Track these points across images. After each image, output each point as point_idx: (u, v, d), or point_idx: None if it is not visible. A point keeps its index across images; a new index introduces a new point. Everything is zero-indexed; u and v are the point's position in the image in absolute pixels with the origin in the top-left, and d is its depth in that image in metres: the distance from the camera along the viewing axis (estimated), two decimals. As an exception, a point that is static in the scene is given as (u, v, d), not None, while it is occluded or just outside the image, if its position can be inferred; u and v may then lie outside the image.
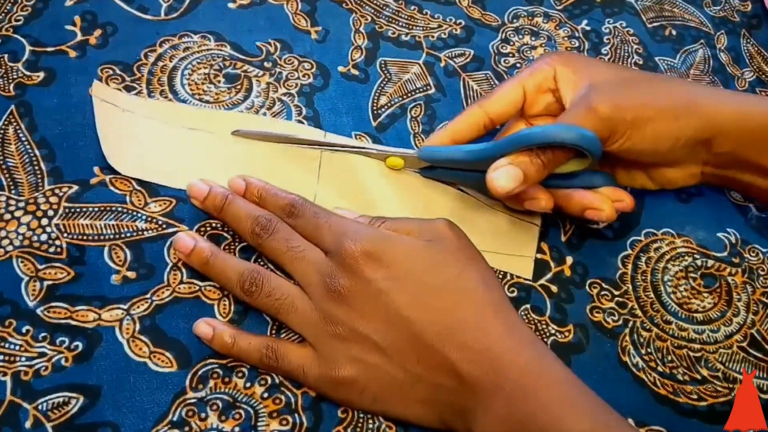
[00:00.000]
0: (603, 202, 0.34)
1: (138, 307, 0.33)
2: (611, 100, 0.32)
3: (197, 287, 0.34)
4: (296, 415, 0.31)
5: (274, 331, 0.33)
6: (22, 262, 0.33)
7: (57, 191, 0.35)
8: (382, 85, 0.41)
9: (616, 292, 0.37)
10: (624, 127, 0.32)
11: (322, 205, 0.35)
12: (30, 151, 0.35)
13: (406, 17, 0.44)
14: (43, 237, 0.33)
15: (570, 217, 0.38)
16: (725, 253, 0.39)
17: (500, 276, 0.36)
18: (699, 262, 0.38)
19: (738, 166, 0.35)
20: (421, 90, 0.41)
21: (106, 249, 0.34)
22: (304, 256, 0.32)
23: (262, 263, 0.34)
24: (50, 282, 0.33)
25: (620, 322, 0.36)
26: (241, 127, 0.37)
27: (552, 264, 0.37)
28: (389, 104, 0.40)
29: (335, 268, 0.31)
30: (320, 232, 0.33)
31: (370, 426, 0.32)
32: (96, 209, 0.34)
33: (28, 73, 0.38)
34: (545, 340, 0.35)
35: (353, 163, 0.37)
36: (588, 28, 0.46)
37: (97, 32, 0.39)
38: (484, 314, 0.30)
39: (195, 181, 0.34)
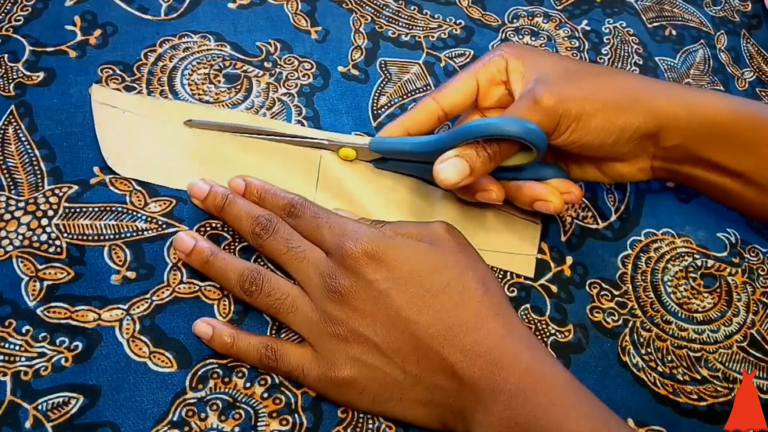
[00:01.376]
0: (551, 194, 0.34)
1: (138, 307, 0.33)
2: (556, 93, 0.32)
3: (197, 287, 0.34)
4: (296, 415, 0.31)
5: (274, 331, 0.33)
6: (22, 262, 0.33)
7: (57, 191, 0.35)
8: (382, 85, 0.41)
9: (616, 292, 0.37)
10: (568, 120, 0.32)
11: (322, 202, 0.35)
12: (30, 151, 0.35)
13: (406, 17, 0.44)
14: (43, 237, 0.33)
15: (570, 217, 0.38)
16: (725, 253, 0.39)
17: (500, 276, 0.36)
18: (699, 262, 0.38)
19: (688, 160, 0.34)
20: (421, 90, 0.41)
21: (106, 249, 0.34)
22: (305, 256, 0.32)
23: (262, 263, 0.34)
24: (50, 282, 0.33)
25: (620, 322, 0.36)
26: (242, 123, 0.37)
27: (552, 264, 0.37)
28: (389, 104, 0.40)
29: (336, 269, 0.31)
30: (320, 233, 0.33)
31: (370, 426, 0.32)
32: (96, 209, 0.34)
33: (28, 73, 0.38)
34: (545, 340, 0.35)
35: (353, 168, 0.37)
36: (588, 28, 0.46)
37: (97, 32, 0.39)
38: (483, 316, 0.30)
39: (195, 180, 0.34)
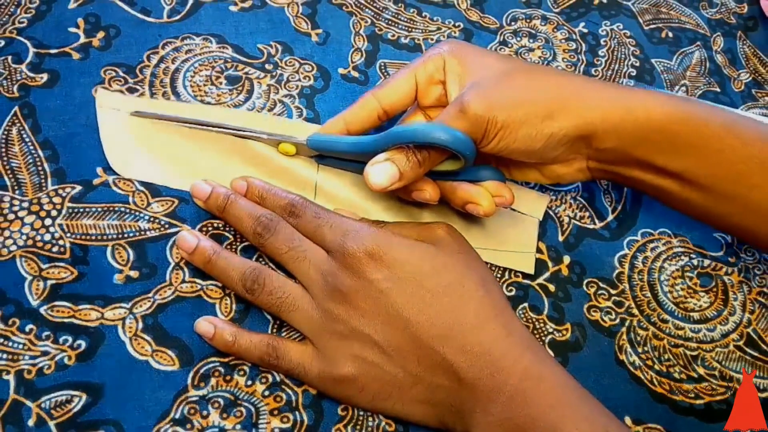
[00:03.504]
0: (483, 197, 0.33)
1: (140, 306, 0.33)
2: (485, 101, 0.32)
3: (199, 286, 0.34)
4: (297, 412, 0.32)
5: (275, 330, 0.33)
6: (25, 261, 0.33)
7: (60, 191, 0.35)
8: (381, 86, 0.41)
9: (613, 292, 0.37)
10: (495, 128, 0.32)
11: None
12: (34, 151, 0.36)
13: (405, 20, 0.44)
14: (47, 237, 0.34)
15: (567, 217, 0.39)
16: (721, 253, 0.39)
17: (498, 275, 0.37)
18: (695, 262, 0.39)
19: (624, 162, 0.34)
20: (420, 92, 0.42)
21: (109, 249, 0.34)
22: (306, 255, 0.32)
23: (263, 263, 0.35)
24: (53, 281, 0.33)
25: (617, 320, 0.37)
26: (247, 125, 0.37)
27: (549, 263, 0.37)
28: (389, 106, 0.41)
29: (337, 268, 0.31)
30: (321, 232, 0.33)
31: (370, 424, 0.32)
32: (99, 209, 0.35)
33: (31, 74, 0.38)
34: (543, 339, 0.35)
35: (352, 179, 0.37)
36: (585, 30, 0.46)
37: (100, 34, 0.40)
38: (483, 317, 0.30)
39: (198, 181, 0.35)
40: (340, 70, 0.41)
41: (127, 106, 0.37)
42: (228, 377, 0.32)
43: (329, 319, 0.31)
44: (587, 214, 0.39)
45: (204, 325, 0.32)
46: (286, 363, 0.31)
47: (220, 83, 0.39)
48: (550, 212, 0.39)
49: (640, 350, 0.36)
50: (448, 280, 0.31)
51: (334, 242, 0.32)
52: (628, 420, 0.34)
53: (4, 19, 0.39)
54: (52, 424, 0.30)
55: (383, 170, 0.32)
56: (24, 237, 0.34)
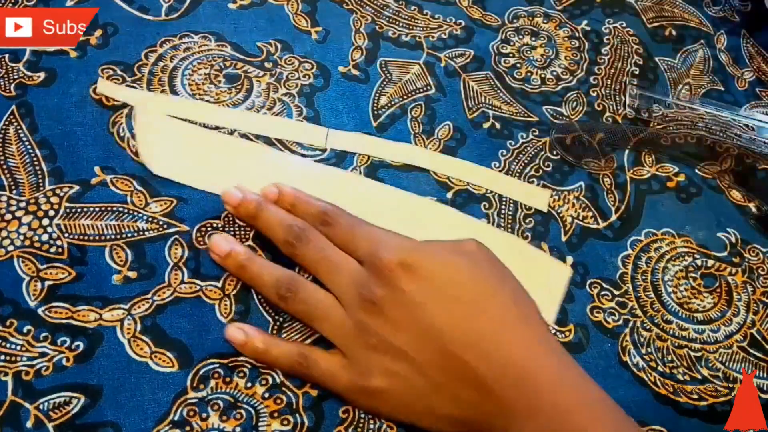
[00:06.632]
0: None
1: (139, 307, 0.33)
2: None
3: (198, 287, 0.34)
4: (297, 415, 0.31)
5: (275, 330, 0.33)
6: (23, 262, 0.33)
7: (58, 191, 0.35)
8: (382, 85, 0.41)
9: (617, 292, 0.37)
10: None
11: None
12: (31, 151, 0.35)
13: (406, 17, 0.44)
14: (44, 237, 0.33)
15: (570, 217, 0.38)
16: (725, 253, 0.39)
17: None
18: (699, 262, 0.38)
19: None
20: (421, 90, 0.41)
21: (107, 249, 0.34)
22: (338, 265, 0.32)
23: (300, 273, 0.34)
24: (51, 282, 0.33)
25: (620, 321, 0.36)
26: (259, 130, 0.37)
27: (552, 264, 0.37)
28: (389, 104, 0.40)
29: (370, 278, 0.31)
30: (355, 242, 0.32)
31: (371, 426, 0.32)
32: (97, 209, 0.35)
33: (29, 73, 0.38)
34: (546, 339, 0.35)
35: (372, 186, 0.37)
36: (588, 28, 0.46)
37: (98, 32, 0.39)
38: (517, 330, 0.30)
39: (229, 187, 0.34)
40: (341, 69, 0.41)
41: (128, 98, 0.37)
42: (228, 379, 0.32)
43: (361, 330, 0.30)
44: (590, 213, 0.39)
45: (235, 331, 0.32)
46: (316, 372, 0.31)
47: (219, 82, 0.39)
48: (553, 212, 0.39)
49: (643, 351, 0.36)
50: (482, 293, 0.30)
51: (367, 253, 0.32)
52: (631, 422, 0.34)
53: (1, 16, 0.39)
54: (50, 426, 0.30)
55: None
56: (21, 237, 0.33)
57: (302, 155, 0.38)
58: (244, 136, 0.38)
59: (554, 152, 0.40)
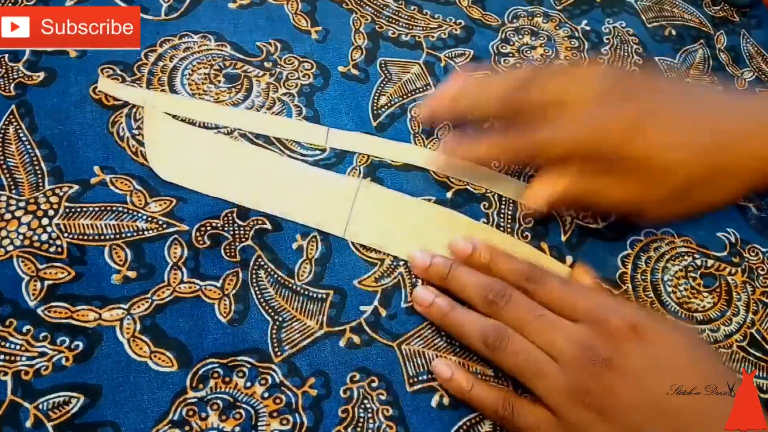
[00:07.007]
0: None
1: (138, 306, 0.33)
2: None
3: (198, 287, 0.34)
4: (297, 414, 0.31)
5: (275, 330, 0.33)
6: (22, 261, 0.33)
7: (57, 191, 0.35)
8: (382, 85, 0.41)
9: (616, 292, 0.37)
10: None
11: (352, 235, 0.35)
12: (30, 150, 0.35)
13: (406, 17, 0.44)
14: (44, 237, 0.33)
15: (570, 217, 0.38)
16: (725, 253, 0.39)
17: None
18: (699, 262, 0.38)
19: None
20: (421, 90, 0.41)
21: (106, 249, 0.34)
22: (554, 324, 0.31)
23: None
24: (51, 282, 0.33)
25: (620, 321, 0.36)
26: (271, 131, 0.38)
27: (552, 264, 0.37)
28: (389, 104, 0.40)
29: (595, 339, 0.30)
30: (571, 301, 0.32)
31: (371, 426, 0.32)
32: (96, 209, 0.35)
33: (28, 73, 0.38)
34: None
35: (393, 198, 0.37)
36: (588, 28, 0.46)
37: (98, 32, 0.39)
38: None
39: (414, 251, 0.35)
40: (340, 68, 0.41)
41: (154, 102, 0.37)
42: (227, 379, 0.32)
43: (583, 391, 0.29)
44: (590, 213, 0.39)
45: (443, 367, 0.32)
46: (521, 421, 0.31)
47: (219, 81, 0.39)
48: (553, 211, 0.39)
49: (642, 351, 0.36)
50: (706, 372, 0.30)
51: (591, 311, 0.31)
52: None
53: (1, 16, 0.39)
54: (49, 425, 0.30)
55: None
56: (21, 237, 0.33)
57: (302, 154, 0.38)
58: (243, 135, 0.38)
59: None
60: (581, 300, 0.32)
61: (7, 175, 0.35)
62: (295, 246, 0.35)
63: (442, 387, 0.33)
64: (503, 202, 0.38)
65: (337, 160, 0.38)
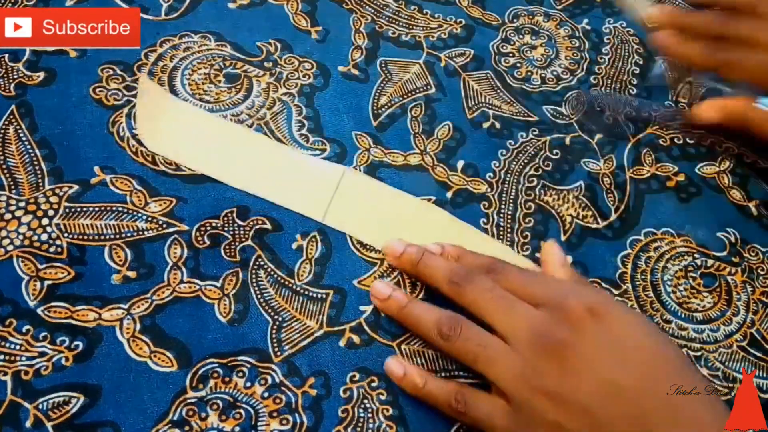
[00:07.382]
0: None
1: (138, 306, 0.33)
2: None
3: (197, 287, 0.34)
4: (296, 414, 0.31)
5: (274, 330, 0.33)
6: (22, 261, 0.33)
7: (57, 191, 0.35)
8: (382, 84, 0.41)
9: (616, 292, 0.37)
10: None
11: (332, 222, 0.35)
12: (30, 150, 0.36)
13: (406, 17, 0.44)
14: (44, 237, 0.33)
15: (570, 216, 0.38)
16: (725, 253, 0.39)
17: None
18: (699, 262, 0.38)
19: None
20: (421, 90, 0.41)
21: (106, 249, 0.34)
22: (513, 306, 0.31)
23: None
24: (51, 282, 0.33)
25: (620, 321, 0.36)
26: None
27: (552, 263, 0.37)
28: (389, 104, 0.40)
29: (552, 321, 0.30)
30: (530, 287, 0.32)
31: (371, 426, 0.32)
32: (96, 209, 0.35)
33: (28, 73, 0.38)
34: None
35: (375, 188, 0.37)
36: (588, 27, 0.46)
37: (98, 32, 0.39)
38: (691, 399, 0.28)
39: (391, 240, 0.35)
40: (340, 68, 0.41)
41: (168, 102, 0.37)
42: (227, 378, 0.32)
43: (536, 374, 0.29)
44: (590, 213, 0.39)
45: (395, 365, 0.32)
46: (474, 413, 0.30)
47: (219, 81, 0.39)
48: (553, 211, 0.39)
49: (642, 351, 0.36)
50: (659, 347, 0.30)
51: (549, 296, 0.31)
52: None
53: (1, 16, 0.39)
54: (49, 425, 0.30)
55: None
56: (21, 237, 0.33)
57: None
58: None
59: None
60: (541, 285, 0.32)
61: (7, 175, 0.35)
62: (294, 246, 0.35)
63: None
64: (503, 202, 0.38)
65: (337, 161, 0.38)
